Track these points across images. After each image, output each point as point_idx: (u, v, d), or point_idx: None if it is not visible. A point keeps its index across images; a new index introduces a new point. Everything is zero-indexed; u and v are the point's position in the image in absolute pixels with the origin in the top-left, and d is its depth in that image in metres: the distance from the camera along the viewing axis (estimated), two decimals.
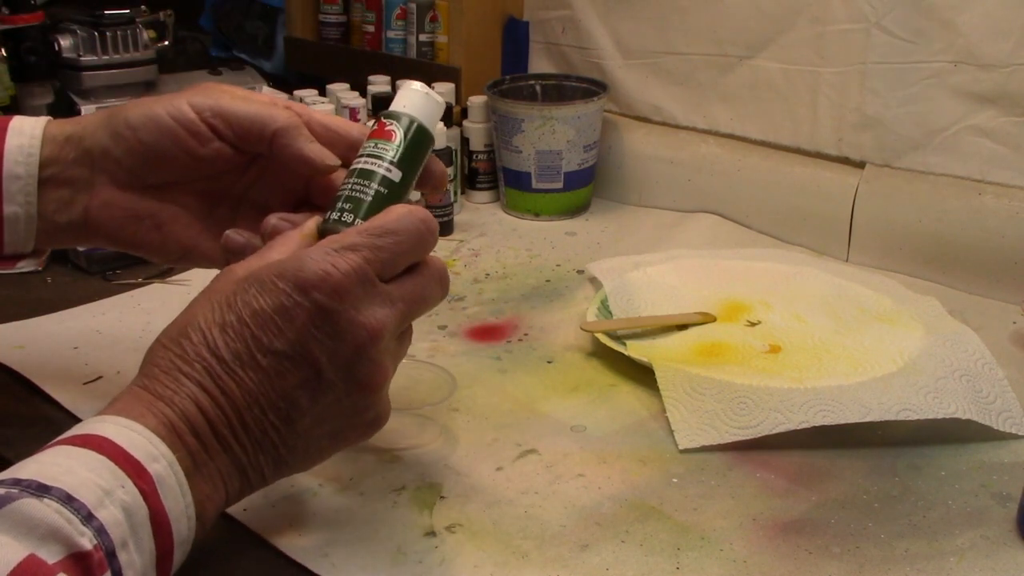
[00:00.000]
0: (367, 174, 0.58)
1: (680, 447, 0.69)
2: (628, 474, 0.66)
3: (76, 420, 0.70)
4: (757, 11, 1.05)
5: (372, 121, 0.61)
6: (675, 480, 0.66)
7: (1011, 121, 0.92)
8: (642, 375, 0.77)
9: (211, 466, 0.50)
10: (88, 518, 0.43)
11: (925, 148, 0.97)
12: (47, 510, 0.42)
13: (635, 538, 0.60)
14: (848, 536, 0.60)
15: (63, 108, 1.18)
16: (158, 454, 0.47)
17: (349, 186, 0.58)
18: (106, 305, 0.88)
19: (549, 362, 0.81)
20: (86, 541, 0.42)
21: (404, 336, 0.56)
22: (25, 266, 0.68)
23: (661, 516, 0.62)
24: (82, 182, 0.64)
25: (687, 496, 0.64)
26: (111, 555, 0.43)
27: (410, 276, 0.55)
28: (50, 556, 0.41)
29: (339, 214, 0.57)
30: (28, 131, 0.63)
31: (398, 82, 0.60)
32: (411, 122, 0.60)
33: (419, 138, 0.60)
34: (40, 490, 0.43)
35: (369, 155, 0.59)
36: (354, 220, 0.57)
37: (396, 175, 0.59)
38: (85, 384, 0.75)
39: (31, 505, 0.42)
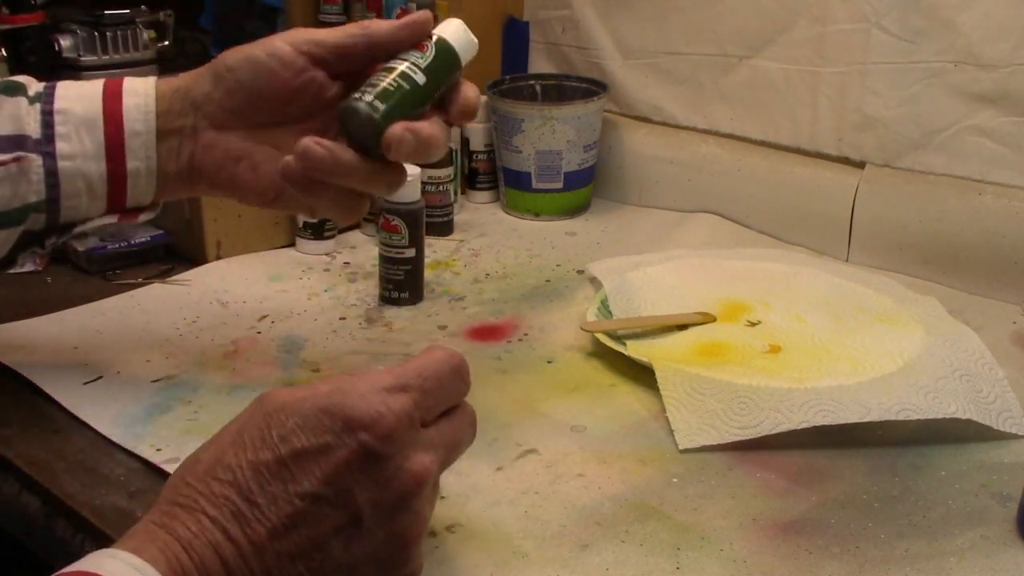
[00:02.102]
0: (393, 70, 0.65)
1: (680, 447, 0.69)
2: (628, 474, 0.66)
3: (76, 420, 0.70)
4: (757, 11, 1.05)
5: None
6: (675, 480, 0.66)
7: (1011, 121, 0.92)
8: (642, 375, 0.77)
9: None
10: None
11: (925, 148, 0.97)
12: None
13: (635, 538, 0.60)
14: (848, 536, 0.60)
15: None
16: None
17: (377, 75, 0.65)
18: (106, 305, 0.88)
19: (549, 362, 0.81)
20: None
21: (437, 486, 0.53)
22: (146, 217, 0.72)
23: (661, 516, 0.62)
24: (188, 130, 0.68)
25: (687, 496, 0.64)
26: None
27: (447, 421, 0.52)
28: None
29: (360, 93, 0.64)
30: (143, 90, 0.68)
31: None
32: (442, 41, 0.67)
33: (446, 56, 0.67)
34: None
35: (401, 58, 0.66)
36: (373, 99, 0.63)
37: (420, 78, 0.65)
38: (85, 384, 0.75)
39: None
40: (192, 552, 0.45)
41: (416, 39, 0.67)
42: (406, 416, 0.48)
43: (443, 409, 0.52)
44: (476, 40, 0.69)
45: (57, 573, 0.43)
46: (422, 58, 0.66)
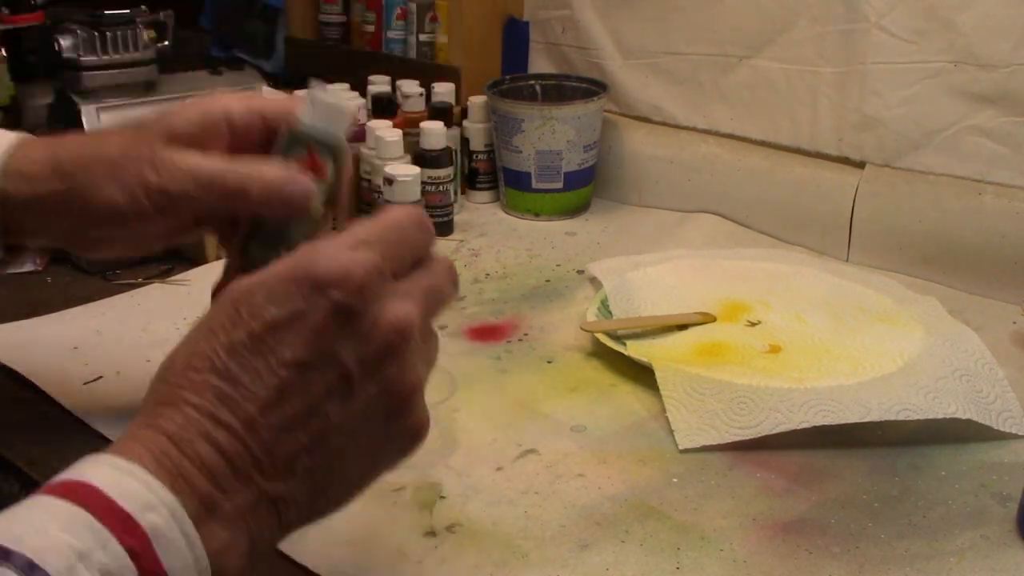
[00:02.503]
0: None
1: (680, 447, 0.69)
2: (628, 474, 0.66)
3: (76, 420, 0.70)
4: (757, 11, 1.05)
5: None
6: (675, 480, 0.66)
7: (1011, 121, 0.92)
8: (642, 375, 0.77)
9: (228, 506, 0.43)
10: None
11: (925, 148, 0.97)
12: None
13: (635, 538, 0.60)
14: (848, 536, 0.60)
15: (63, 108, 1.18)
16: (156, 502, 0.41)
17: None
18: (106, 305, 0.88)
19: (549, 362, 0.81)
20: None
21: (430, 339, 0.51)
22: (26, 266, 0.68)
23: (661, 516, 0.62)
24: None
25: (687, 496, 0.64)
26: None
27: (420, 272, 0.50)
28: None
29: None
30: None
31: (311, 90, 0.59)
32: (314, 144, 0.59)
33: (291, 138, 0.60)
34: (2, 556, 0.37)
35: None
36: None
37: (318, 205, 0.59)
38: (85, 384, 0.75)
39: None
40: (182, 444, 0.43)
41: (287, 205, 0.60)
42: (374, 268, 0.46)
43: (412, 261, 0.50)
44: (343, 105, 0.59)
45: (41, 487, 0.42)
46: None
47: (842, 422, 0.68)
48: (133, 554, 0.40)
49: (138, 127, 0.63)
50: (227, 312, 0.46)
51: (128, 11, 1.19)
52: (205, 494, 0.43)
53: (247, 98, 0.64)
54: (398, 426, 0.48)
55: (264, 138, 0.63)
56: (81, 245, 0.67)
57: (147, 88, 1.22)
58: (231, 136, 0.63)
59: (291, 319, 0.45)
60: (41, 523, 0.39)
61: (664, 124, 1.16)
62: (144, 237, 0.65)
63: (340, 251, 0.47)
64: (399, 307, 0.47)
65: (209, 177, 0.60)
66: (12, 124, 1.23)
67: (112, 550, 0.39)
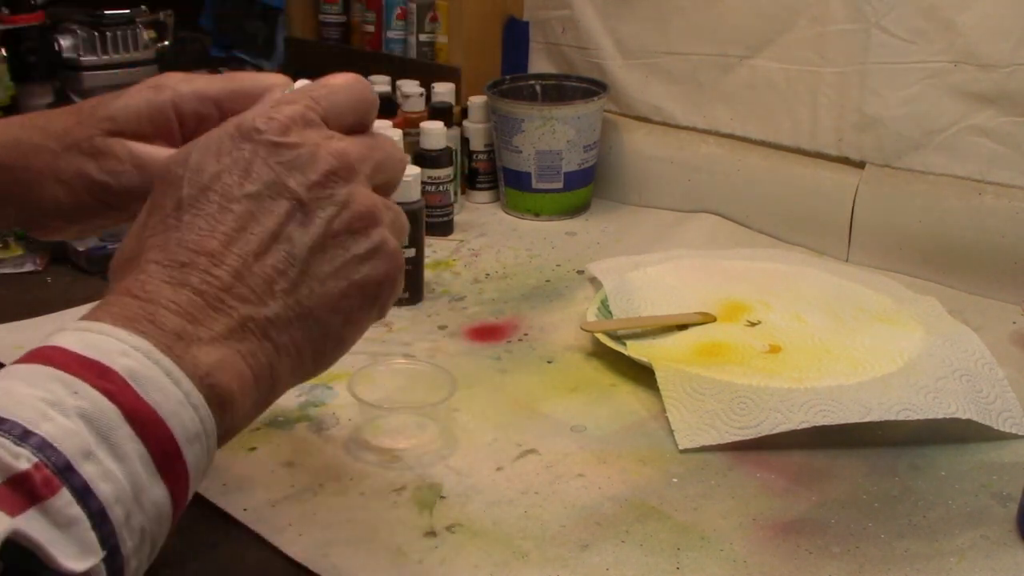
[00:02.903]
0: None
1: (680, 447, 0.69)
2: (628, 474, 0.66)
3: None
4: (757, 11, 1.05)
5: None
6: (675, 480, 0.66)
7: (1011, 121, 0.92)
8: (642, 375, 0.77)
9: (205, 334, 0.42)
10: (23, 436, 0.36)
11: (925, 148, 0.97)
12: None
13: (635, 538, 0.60)
14: (848, 536, 0.60)
15: None
16: (127, 348, 0.40)
17: None
18: None
19: (549, 362, 0.81)
20: (22, 462, 0.35)
21: (391, 208, 0.50)
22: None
23: (661, 516, 0.62)
24: None
25: (687, 496, 0.64)
26: (64, 469, 0.36)
27: (361, 136, 0.50)
28: None
29: None
30: None
31: None
32: None
33: None
34: None
35: None
36: None
37: None
38: None
39: None
40: (147, 294, 0.43)
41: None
42: (297, 115, 0.47)
43: (348, 118, 0.50)
44: None
45: (7, 367, 0.40)
46: None
47: (842, 422, 0.68)
48: (109, 394, 0.39)
49: (79, 113, 0.59)
50: (165, 182, 0.46)
51: (128, 11, 1.19)
52: (178, 328, 0.42)
53: (198, 84, 0.60)
54: (365, 245, 0.48)
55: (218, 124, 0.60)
56: (33, 230, 0.64)
57: None
58: (182, 126, 0.59)
59: (231, 166, 0.45)
60: (4, 387, 0.38)
61: (664, 124, 1.16)
62: (103, 224, 0.62)
63: (264, 107, 0.48)
64: (331, 142, 0.47)
65: (155, 168, 0.54)
66: None
67: (86, 393, 0.38)
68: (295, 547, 0.58)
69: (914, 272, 0.97)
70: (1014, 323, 0.88)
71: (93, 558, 0.36)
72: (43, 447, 0.36)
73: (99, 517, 0.37)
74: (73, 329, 0.41)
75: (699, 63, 1.11)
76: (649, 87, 1.16)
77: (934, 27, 0.94)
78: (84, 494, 0.37)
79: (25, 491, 0.35)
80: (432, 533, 0.60)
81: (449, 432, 0.71)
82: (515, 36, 1.24)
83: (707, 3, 1.08)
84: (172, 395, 0.40)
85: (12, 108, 1.21)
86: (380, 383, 0.74)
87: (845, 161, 1.03)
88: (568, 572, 0.57)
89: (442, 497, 0.63)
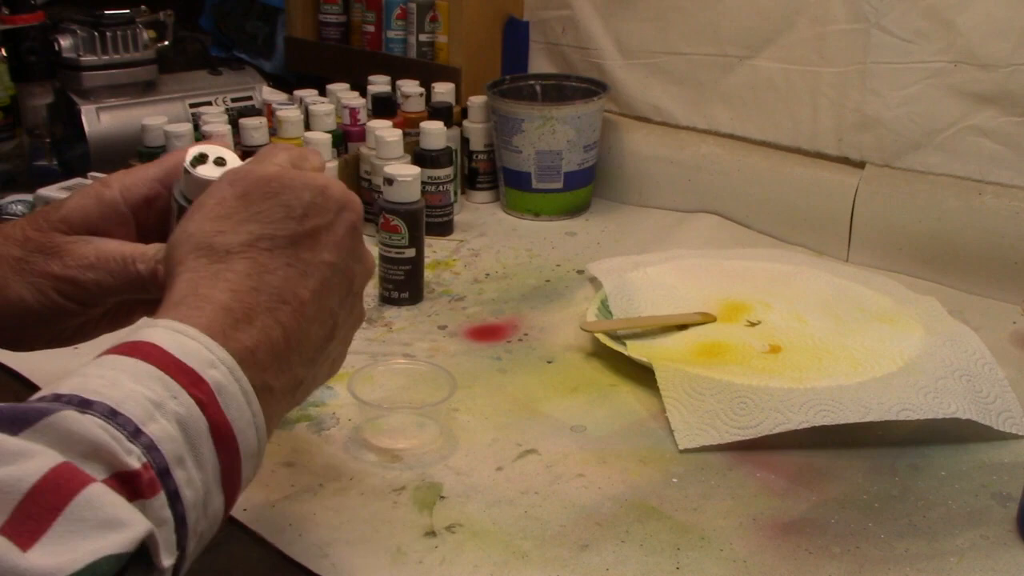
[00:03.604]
0: None
1: (680, 447, 0.69)
2: (628, 474, 0.66)
3: None
4: (757, 11, 1.05)
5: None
6: (675, 480, 0.66)
7: (1011, 121, 0.92)
8: (642, 375, 0.77)
9: (276, 384, 0.47)
10: (135, 434, 0.39)
11: (925, 148, 0.97)
12: (90, 424, 0.38)
13: (635, 538, 0.60)
14: (848, 536, 0.60)
15: (63, 108, 1.18)
16: (215, 359, 0.43)
17: None
18: None
19: (549, 362, 0.81)
20: (133, 459, 0.38)
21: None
22: None
23: (661, 516, 0.62)
24: None
25: (687, 496, 0.64)
26: (164, 473, 0.39)
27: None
28: (92, 474, 0.37)
29: None
30: None
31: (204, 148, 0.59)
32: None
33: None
34: (82, 405, 0.39)
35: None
36: None
37: None
38: None
39: (71, 418, 0.38)
40: (232, 308, 0.46)
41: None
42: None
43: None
44: (208, 175, 0.57)
45: (103, 351, 0.44)
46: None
47: (842, 422, 0.68)
48: (200, 404, 0.42)
49: (33, 221, 0.59)
50: (272, 203, 0.51)
51: (128, 11, 1.19)
52: (253, 349, 0.46)
53: (138, 172, 0.61)
54: (356, 309, 0.56)
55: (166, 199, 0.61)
56: (8, 344, 0.61)
57: (147, 88, 1.22)
58: (136, 217, 0.60)
59: (326, 227, 0.52)
60: (112, 377, 0.41)
61: (664, 124, 1.16)
62: (78, 330, 0.62)
63: (338, 181, 0.54)
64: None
65: (121, 264, 0.57)
66: (12, 124, 1.23)
67: (183, 400, 0.41)
68: (295, 547, 0.58)
69: (914, 272, 0.97)
70: (1014, 323, 0.88)
71: (171, 559, 0.39)
72: (150, 448, 0.39)
73: (180, 521, 0.40)
74: (165, 327, 0.44)
75: (699, 63, 1.11)
76: (649, 87, 1.16)
77: (934, 27, 0.94)
78: (174, 499, 0.40)
79: (132, 488, 0.38)
80: (432, 533, 0.60)
81: (449, 432, 0.71)
82: (515, 36, 1.24)
83: (707, 3, 1.08)
84: (245, 414, 0.44)
85: (12, 108, 1.21)
86: (380, 383, 0.74)
87: (845, 161, 1.03)
88: (568, 572, 0.57)
89: (442, 497, 0.63)
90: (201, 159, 0.57)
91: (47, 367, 0.77)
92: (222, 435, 0.42)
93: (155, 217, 0.61)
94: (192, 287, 0.47)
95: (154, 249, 0.57)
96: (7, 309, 0.58)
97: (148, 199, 0.61)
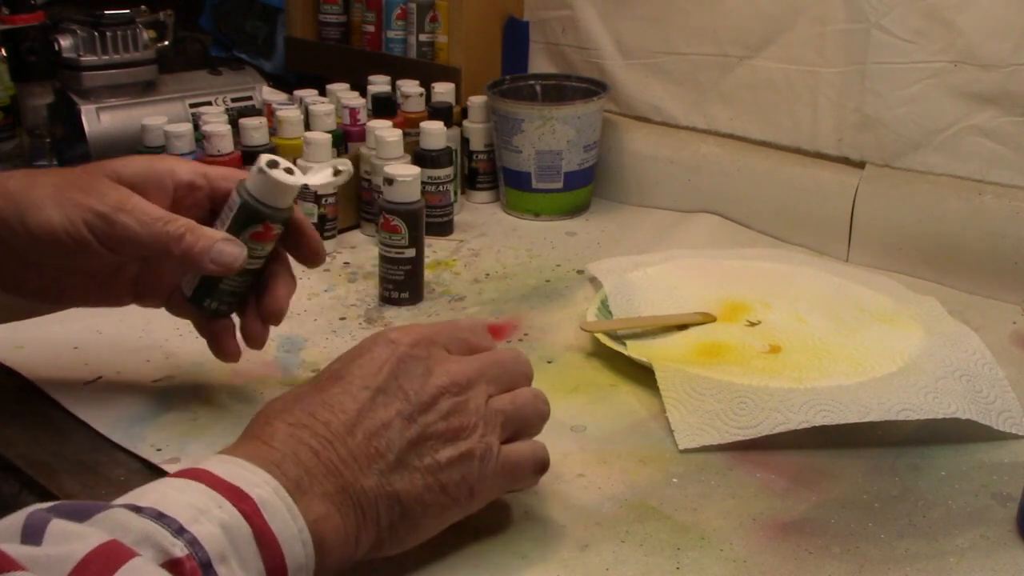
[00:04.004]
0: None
1: (680, 447, 0.69)
2: (628, 474, 0.66)
3: (76, 420, 0.70)
4: (757, 11, 1.05)
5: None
6: (675, 480, 0.66)
7: (1011, 121, 0.92)
8: (642, 375, 0.77)
9: (318, 489, 0.50)
10: (179, 531, 0.43)
11: (925, 148, 0.97)
12: (141, 520, 0.42)
13: (635, 538, 0.60)
14: (848, 536, 0.60)
15: (63, 108, 1.18)
16: (260, 481, 0.48)
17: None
18: None
19: (549, 362, 0.81)
20: (177, 550, 0.42)
21: (498, 413, 0.57)
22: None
23: (661, 516, 0.62)
24: None
25: (687, 496, 0.64)
26: (206, 566, 0.43)
27: (480, 354, 0.60)
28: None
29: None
30: None
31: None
32: (247, 204, 0.65)
33: (250, 213, 0.65)
34: (133, 509, 0.43)
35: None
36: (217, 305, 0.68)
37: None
38: (85, 384, 0.75)
39: (124, 514, 0.42)
40: (278, 444, 0.51)
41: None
42: (425, 336, 0.57)
43: (506, 384, 0.59)
44: (285, 180, 0.64)
45: (161, 479, 0.48)
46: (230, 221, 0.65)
47: (842, 422, 0.68)
48: (245, 515, 0.46)
49: (84, 168, 0.65)
50: (325, 373, 0.56)
51: (128, 11, 1.19)
52: (297, 478, 0.49)
53: (194, 163, 0.67)
54: (451, 452, 0.55)
55: (207, 203, 0.67)
56: (22, 276, 0.66)
57: (147, 88, 1.22)
58: (174, 194, 0.66)
59: (368, 358, 0.56)
60: (161, 491, 0.45)
61: (664, 124, 1.16)
62: (104, 288, 0.67)
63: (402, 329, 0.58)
64: (450, 364, 0.57)
65: (153, 218, 0.62)
66: (12, 124, 1.23)
67: (227, 509, 0.45)
68: None
69: (914, 272, 0.97)
70: (1014, 323, 0.88)
71: None
72: (193, 543, 0.43)
73: None
74: (217, 461, 0.49)
75: (699, 63, 1.11)
76: (649, 87, 1.16)
77: (934, 27, 0.94)
78: None
79: (177, 574, 0.42)
80: None
81: None
82: (515, 36, 1.24)
83: (707, 3, 1.08)
84: (290, 528, 0.47)
85: (12, 108, 1.21)
86: None
87: (845, 161, 1.03)
88: (568, 572, 0.57)
89: None
90: (273, 164, 0.63)
91: (47, 367, 0.77)
92: (267, 543, 0.46)
93: (188, 203, 0.67)
94: (245, 437, 0.53)
95: (185, 219, 0.63)
96: (37, 232, 0.62)
97: (192, 185, 0.67)
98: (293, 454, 0.50)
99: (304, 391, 0.55)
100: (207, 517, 0.44)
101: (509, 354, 0.60)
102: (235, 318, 0.71)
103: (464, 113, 1.16)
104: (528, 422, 0.59)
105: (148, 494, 0.45)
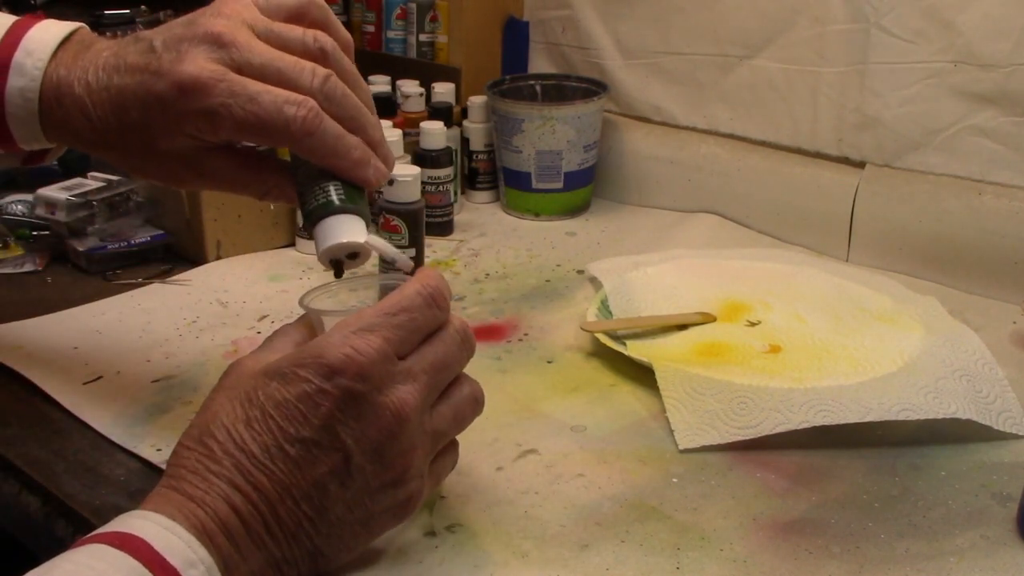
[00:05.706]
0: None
1: (680, 447, 0.69)
2: (628, 474, 0.66)
3: (76, 420, 0.70)
4: (757, 11, 1.05)
5: None
6: (675, 480, 0.66)
7: (1011, 121, 0.92)
8: (642, 375, 0.77)
9: (244, 568, 0.49)
10: None
11: (925, 148, 0.97)
12: None
13: (635, 538, 0.60)
14: (848, 536, 0.60)
15: None
16: (196, 559, 0.46)
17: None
18: (106, 305, 0.88)
19: (549, 362, 0.81)
20: None
21: (437, 408, 0.55)
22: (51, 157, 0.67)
23: (661, 516, 0.62)
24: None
25: (687, 496, 0.64)
26: None
27: (428, 345, 0.54)
28: None
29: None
30: (34, 62, 0.60)
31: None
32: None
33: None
34: None
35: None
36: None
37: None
38: (85, 384, 0.75)
39: None
40: (205, 507, 0.48)
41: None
42: (375, 353, 0.50)
43: (421, 337, 0.54)
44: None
45: (90, 535, 0.46)
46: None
47: (842, 422, 0.68)
48: None
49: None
50: (243, 388, 0.51)
51: (128, 11, 1.19)
52: (227, 555, 0.48)
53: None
54: (391, 498, 0.53)
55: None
56: (135, 148, 0.61)
57: None
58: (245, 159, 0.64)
59: (299, 401, 0.50)
60: (100, 570, 0.44)
61: (664, 124, 1.16)
62: (190, 157, 0.61)
63: (347, 338, 0.51)
64: (399, 392, 0.51)
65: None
66: None
67: None
68: None
69: (914, 272, 0.97)
70: (1014, 323, 0.88)
71: None
72: None
73: None
74: (154, 523, 0.47)
75: (699, 63, 1.11)
76: (649, 87, 1.16)
77: (934, 27, 0.94)
78: None
79: None
80: (432, 533, 0.60)
81: None
82: (515, 36, 1.24)
83: (707, 3, 1.08)
84: None
85: None
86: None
87: (845, 161, 1.03)
88: (568, 572, 0.57)
89: (442, 497, 0.63)
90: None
91: (47, 367, 0.77)
92: None
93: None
94: (174, 480, 0.50)
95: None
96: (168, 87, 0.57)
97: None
98: (222, 524, 0.49)
99: (233, 424, 0.51)
100: None
101: (458, 341, 0.55)
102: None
103: (464, 113, 1.16)
104: (464, 426, 0.58)
105: (86, 569, 0.44)
